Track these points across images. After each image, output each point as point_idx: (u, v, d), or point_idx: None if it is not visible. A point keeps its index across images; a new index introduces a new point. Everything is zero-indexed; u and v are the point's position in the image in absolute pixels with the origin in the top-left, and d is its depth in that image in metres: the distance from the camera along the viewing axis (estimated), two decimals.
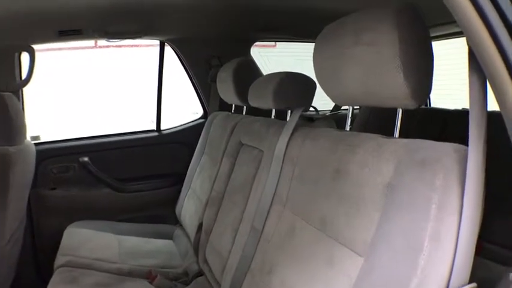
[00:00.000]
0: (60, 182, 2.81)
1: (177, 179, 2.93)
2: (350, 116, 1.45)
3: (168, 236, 2.70)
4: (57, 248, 2.34)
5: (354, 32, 1.16)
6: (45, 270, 2.44)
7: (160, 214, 3.00)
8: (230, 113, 2.60)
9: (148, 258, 2.35)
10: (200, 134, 2.81)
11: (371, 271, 1.02)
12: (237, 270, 1.66)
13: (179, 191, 2.83)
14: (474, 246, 0.90)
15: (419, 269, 0.90)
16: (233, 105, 2.62)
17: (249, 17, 2.51)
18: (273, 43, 6.03)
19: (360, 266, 1.06)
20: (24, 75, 2.43)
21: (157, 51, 3.03)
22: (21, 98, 2.68)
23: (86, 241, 2.40)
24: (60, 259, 2.21)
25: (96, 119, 7.32)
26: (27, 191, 2.42)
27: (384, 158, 1.09)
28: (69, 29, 2.31)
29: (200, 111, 3.25)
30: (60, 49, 6.67)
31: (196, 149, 2.80)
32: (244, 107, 2.44)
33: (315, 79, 1.48)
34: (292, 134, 1.59)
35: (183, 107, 4.69)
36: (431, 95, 4.03)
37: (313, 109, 3.40)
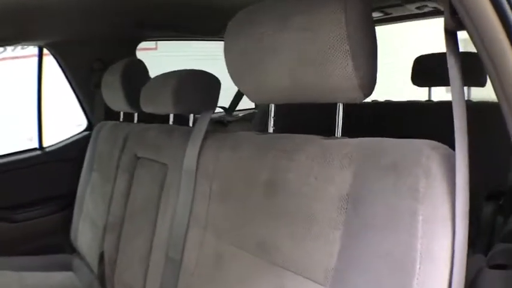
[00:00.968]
0: None
1: (68, 201, 2.59)
2: (273, 115, 1.22)
3: (67, 267, 2.39)
4: None
5: (280, 17, 0.97)
6: None
7: (56, 242, 2.62)
8: (119, 122, 2.31)
9: None
10: (87, 148, 2.52)
11: None
12: None
13: (72, 215, 2.51)
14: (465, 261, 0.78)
15: None
16: (121, 113, 2.35)
17: (130, 13, 2.25)
18: (154, 45, 5.71)
19: None
20: None
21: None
22: None
23: None
24: None
25: None
26: None
27: (335, 164, 0.89)
28: None
29: (84, 123, 2.91)
30: None
31: (84, 166, 2.48)
32: (135, 114, 2.19)
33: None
34: (203, 143, 1.35)
35: (66, 119, 4.24)
36: None
37: (222, 109, 3.18)
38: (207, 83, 1.65)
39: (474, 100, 2.33)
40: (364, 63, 0.88)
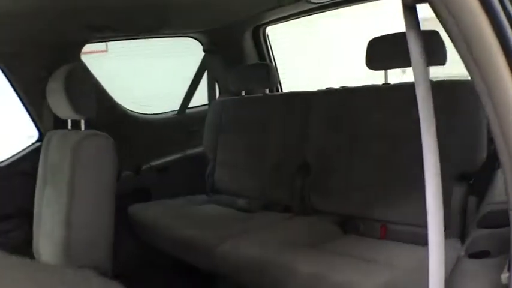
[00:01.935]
0: None
1: (27, 220, 2.43)
2: None
3: None
4: None
5: None
6: None
7: None
8: (67, 131, 2.19)
9: None
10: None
11: None
12: None
13: (31, 232, 2.36)
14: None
15: None
16: (69, 121, 2.22)
17: (71, 16, 2.17)
18: (104, 48, 5.53)
19: None
20: None
21: None
22: None
23: None
24: None
25: None
26: None
27: None
28: None
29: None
30: None
31: (38, 179, 2.33)
32: (82, 121, 2.08)
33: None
34: None
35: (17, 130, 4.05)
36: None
37: None
38: None
39: (437, 79, 2.28)
40: None
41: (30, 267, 1.88)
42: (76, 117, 2.03)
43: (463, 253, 1.31)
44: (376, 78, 2.50)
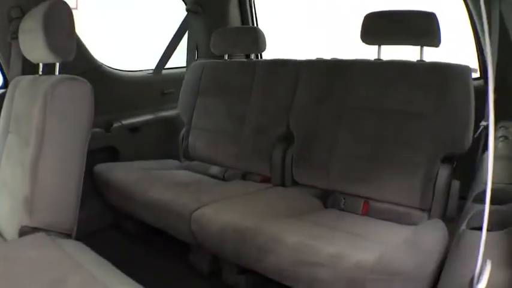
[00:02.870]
0: None
1: None
2: None
3: None
4: None
5: None
6: None
7: None
8: (39, 76, 2.00)
9: None
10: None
11: None
12: None
13: None
14: None
15: None
16: (40, 65, 2.02)
17: None
18: (74, 5, 5.23)
19: None
20: None
21: None
22: None
23: None
24: None
25: None
26: None
27: None
28: None
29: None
30: None
31: None
32: (57, 64, 1.88)
33: None
34: None
35: None
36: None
37: None
38: None
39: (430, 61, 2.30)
40: None
41: None
42: (51, 59, 1.84)
43: (464, 227, 1.33)
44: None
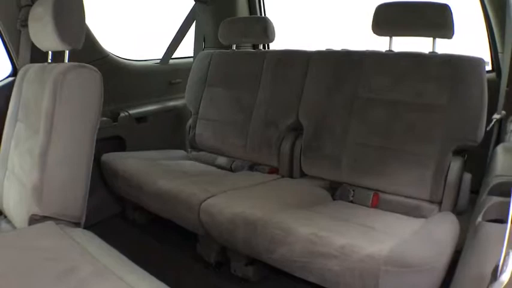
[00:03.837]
0: None
1: None
2: None
3: None
4: None
5: None
6: None
7: None
8: (48, 64, 1.98)
9: None
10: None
11: None
12: None
13: None
14: None
15: None
16: (50, 53, 2.01)
17: None
18: None
19: None
20: None
21: None
22: None
23: None
24: None
25: None
26: None
27: None
28: None
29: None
30: None
31: (8, 116, 2.11)
32: (67, 52, 1.88)
33: None
34: None
35: None
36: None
37: None
38: None
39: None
40: None
41: None
42: (60, 47, 1.83)
43: (480, 219, 1.31)
44: None
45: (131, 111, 3.04)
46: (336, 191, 2.36)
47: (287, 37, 3.60)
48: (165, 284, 1.27)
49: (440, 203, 2.12)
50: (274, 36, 2.93)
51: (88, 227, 1.73)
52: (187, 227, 2.27)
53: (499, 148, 1.85)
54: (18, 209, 1.82)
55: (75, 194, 1.77)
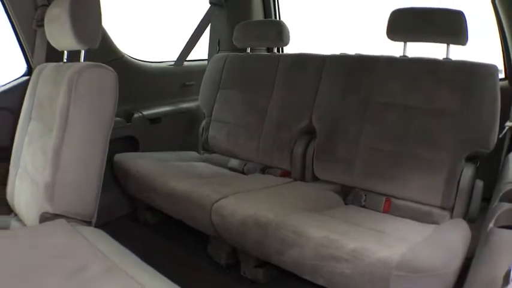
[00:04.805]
0: None
1: (4, 155, 2.22)
2: None
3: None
4: None
5: None
6: None
7: None
8: (63, 63, 2.00)
9: None
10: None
11: None
12: None
13: (7, 170, 2.16)
14: None
15: None
16: (65, 53, 2.03)
17: None
18: None
19: None
20: None
21: None
22: None
23: None
24: None
25: None
26: None
27: None
28: None
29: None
30: None
31: (21, 115, 2.13)
32: (82, 51, 1.89)
33: None
34: None
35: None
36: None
37: None
38: None
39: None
40: None
41: None
42: (77, 47, 1.85)
43: (491, 225, 1.31)
44: None
45: (145, 112, 3.06)
46: (348, 195, 2.36)
47: (301, 40, 3.60)
48: (175, 284, 1.27)
49: (452, 210, 2.11)
50: (288, 39, 2.93)
51: (99, 226, 1.73)
52: (199, 228, 2.28)
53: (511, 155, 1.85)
54: (29, 206, 1.83)
55: (87, 193, 1.78)
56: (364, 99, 2.38)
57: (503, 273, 0.88)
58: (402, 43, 2.39)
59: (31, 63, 2.46)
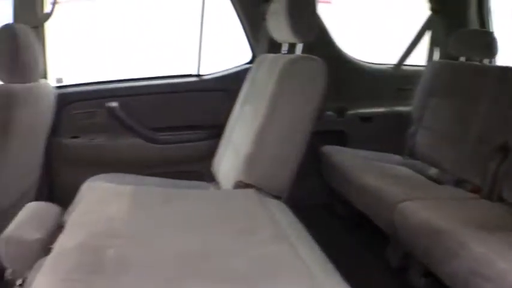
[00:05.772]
0: (84, 129, 2.56)
1: (217, 132, 2.57)
2: None
3: None
4: None
5: None
6: None
7: (196, 170, 2.70)
8: (280, 54, 2.22)
9: None
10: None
11: None
12: None
13: (217, 145, 2.50)
14: None
15: None
16: (284, 45, 2.28)
17: None
18: None
19: None
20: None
21: None
22: (43, 35, 2.40)
23: None
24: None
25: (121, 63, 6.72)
26: (43, 139, 2.13)
27: None
28: None
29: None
30: None
31: (239, 98, 2.45)
32: (299, 44, 2.08)
33: None
34: None
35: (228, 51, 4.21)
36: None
37: None
38: None
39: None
40: None
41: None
42: (292, 39, 2.04)
43: None
44: None
45: (358, 110, 3.17)
46: None
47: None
48: (337, 271, 1.27)
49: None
50: (496, 51, 2.80)
51: (290, 206, 1.81)
52: (380, 225, 2.32)
53: None
54: (227, 174, 2.10)
55: (281, 170, 1.97)
56: None
57: None
58: None
59: (255, 52, 2.75)
